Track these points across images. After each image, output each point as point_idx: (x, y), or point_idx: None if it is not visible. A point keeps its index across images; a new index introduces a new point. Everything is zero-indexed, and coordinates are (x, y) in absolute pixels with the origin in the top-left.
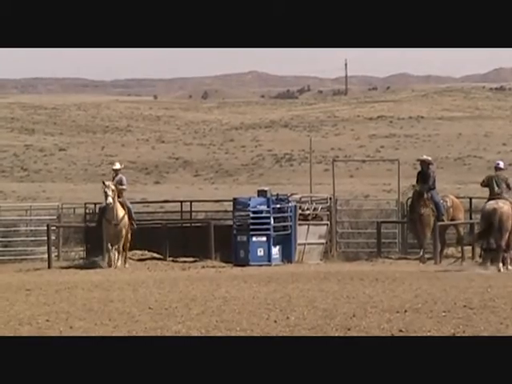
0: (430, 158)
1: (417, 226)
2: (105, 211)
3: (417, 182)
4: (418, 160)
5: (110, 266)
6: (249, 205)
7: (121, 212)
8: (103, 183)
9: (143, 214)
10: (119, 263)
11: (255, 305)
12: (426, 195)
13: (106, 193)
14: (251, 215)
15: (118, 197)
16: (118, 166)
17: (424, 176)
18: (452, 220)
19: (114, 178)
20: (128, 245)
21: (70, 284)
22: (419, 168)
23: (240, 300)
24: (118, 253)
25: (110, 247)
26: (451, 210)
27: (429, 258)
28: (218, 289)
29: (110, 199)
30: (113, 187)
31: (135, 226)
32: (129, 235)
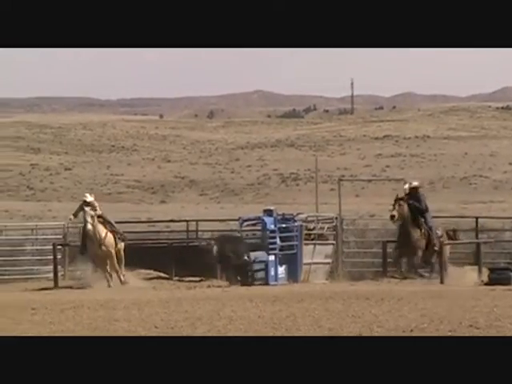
0: (417, 183)
1: (407, 248)
2: (87, 234)
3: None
4: (409, 188)
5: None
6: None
7: (103, 232)
8: (83, 209)
9: (149, 234)
10: (112, 283)
11: (261, 324)
12: (419, 218)
13: (85, 219)
14: None
15: (98, 217)
16: (89, 197)
17: (416, 200)
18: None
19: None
20: (121, 263)
21: (75, 303)
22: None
23: (246, 319)
24: (112, 272)
25: (101, 270)
26: (441, 239)
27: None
28: (224, 308)
29: (89, 226)
30: (92, 213)
31: (125, 238)
32: (122, 252)
